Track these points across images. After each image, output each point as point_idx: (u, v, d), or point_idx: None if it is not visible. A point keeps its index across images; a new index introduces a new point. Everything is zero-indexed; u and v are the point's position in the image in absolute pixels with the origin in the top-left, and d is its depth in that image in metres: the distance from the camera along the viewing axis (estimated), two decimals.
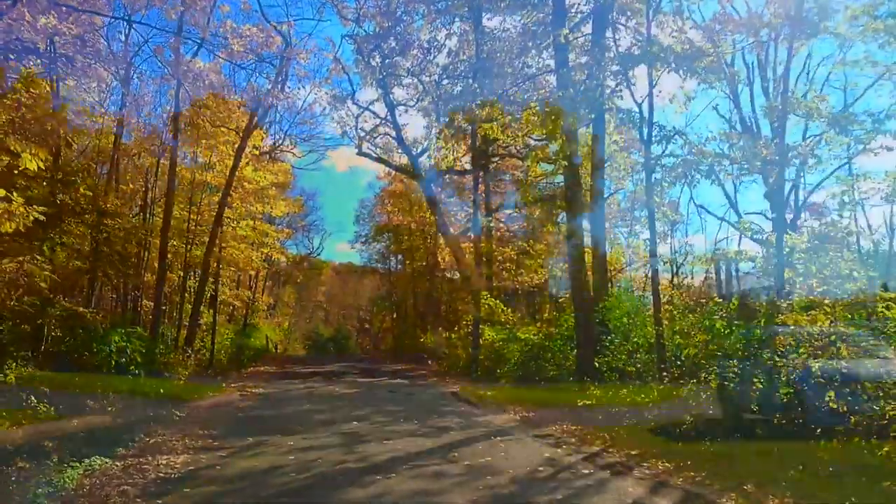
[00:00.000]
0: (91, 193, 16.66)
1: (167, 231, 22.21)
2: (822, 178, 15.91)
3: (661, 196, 12.80)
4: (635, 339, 12.92)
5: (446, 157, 17.32)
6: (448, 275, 42.20)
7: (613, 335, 13.95)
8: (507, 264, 31.37)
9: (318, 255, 65.00)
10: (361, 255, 52.81)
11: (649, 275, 23.85)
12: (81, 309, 14.73)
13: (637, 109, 12.48)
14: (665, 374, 10.96)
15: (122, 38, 21.10)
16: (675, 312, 12.05)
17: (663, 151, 12.25)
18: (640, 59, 11.64)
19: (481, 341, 22.20)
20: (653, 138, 12.16)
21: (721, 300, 12.54)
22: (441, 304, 40.80)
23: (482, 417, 12.21)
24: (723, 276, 24.24)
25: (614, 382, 11.97)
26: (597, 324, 13.82)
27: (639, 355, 12.01)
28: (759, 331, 9.21)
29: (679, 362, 11.12)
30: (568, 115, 11.58)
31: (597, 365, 12.77)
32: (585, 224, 14.53)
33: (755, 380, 8.42)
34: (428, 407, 13.82)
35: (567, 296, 23.91)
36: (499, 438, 9.91)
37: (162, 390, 14.70)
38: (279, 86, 26.24)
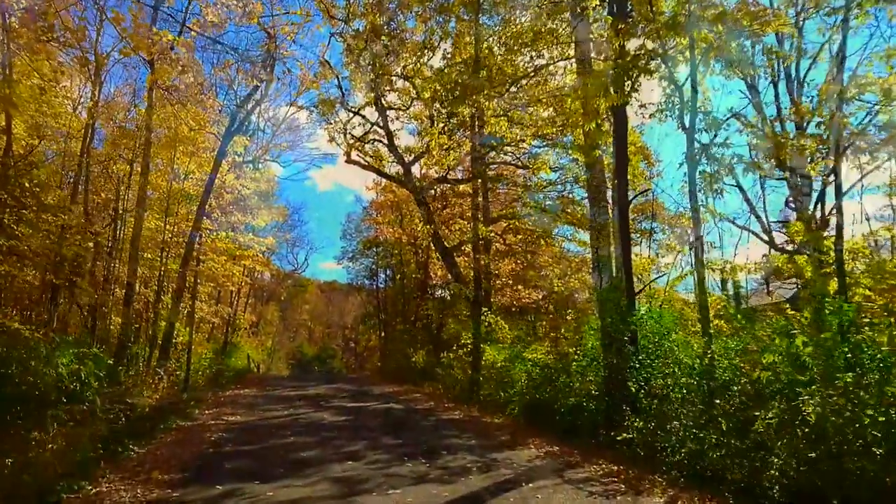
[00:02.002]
0: (38, 189, 14.58)
1: (137, 241, 20.15)
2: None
3: (708, 192, 10.98)
4: (671, 362, 11.11)
5: (447, 157, 15.58)
6: (441, 292, 40.36)
7: (644, 355, 12.12)
8: (505, 279, 29.56)
9: (303, 271, 63.23)
10: (348, 271, 51.03)
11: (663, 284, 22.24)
12: (17, 325, 12.58)
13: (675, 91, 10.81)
14: (717, 401, 9.12)
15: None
16: (726, 328, 10.25)
17: (712, 140, 10.54)
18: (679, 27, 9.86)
19: (482, 362, 20.27)
20: (698, 125, 10.45)
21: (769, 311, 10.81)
22: (432, 323, 38.86)
23: (500, 454, 10.29)
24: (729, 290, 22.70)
25: (650, 411, 10.10)
26: (625, 341, 11.95)
27: (682, 379, 10.15)
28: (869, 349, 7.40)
29: (732, 390, 9.29)
30: (596, 91, 9.77)
31: (634, 388, 10.89)
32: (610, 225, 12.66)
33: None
34: (432, 440, 11.88)
35: (582, 311, 22.16)
36: (531, 485, 8.01)
37: (122, 421, 12.70)
38: (263, 86, 24.44)
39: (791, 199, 18.99)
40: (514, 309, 31.19)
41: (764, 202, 17.21)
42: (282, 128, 36.48)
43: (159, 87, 20.17)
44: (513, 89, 14.67)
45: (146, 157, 20.22)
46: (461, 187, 31.52)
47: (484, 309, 21.64)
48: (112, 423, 12.21)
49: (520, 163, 27.25)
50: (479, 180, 22.83)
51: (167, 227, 24.62)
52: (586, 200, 24.52)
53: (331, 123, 27.90)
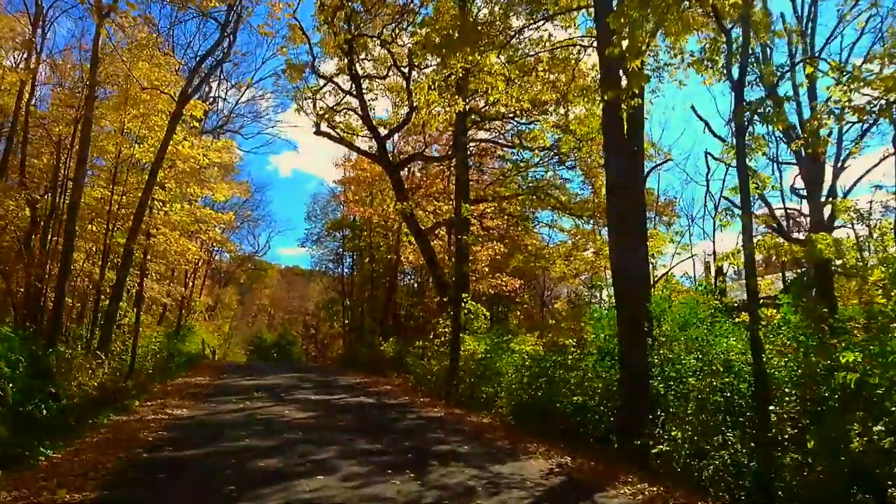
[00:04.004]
0: None
1: (77, 208, 17.73)
2: None
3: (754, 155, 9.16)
4: (704, 358, 9.42)
5: (435, 118, 13.70)
6: (410, 279, 38.46)
7: (666, 350, 10.41)
8: (482, 265, 27.75)
9: (264, 254, 60.65)
10: (312, 256, 48.70)
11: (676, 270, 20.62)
12: None
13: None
14: (773, 408, 7.42)
15: None
16: (777, 318, 8.53)
17: (770, 92, 8.82)
18: None
19: (461, 352, 18.43)
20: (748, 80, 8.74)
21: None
22: (401, 309, 36.92)
23: (503, 466, 8.43)
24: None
25: (686, 418, 8.35)
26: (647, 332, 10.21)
27: (726, 378, 8.43)
28: None
29: (790, 395, 7.62)
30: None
31: (661, 389, 9.16)
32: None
33: None
34: (417, 444, 9.99)
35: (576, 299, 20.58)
36: None
37: (42, 414, 10.54)
38: (226, 44, 22.05)
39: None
40: (483, 298, 29.47)
41: (781, 183, 15.74)
42: (245, 96, 34.09)
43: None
44: (514, 41, 12.72)
45: (88, 110, 17.75)
46: (437, 167, 29.66)
47: (465, 295, 19.78)
48: (26, 418, 10.06)
49: (504, 140, 25.51)
50: (463, 154, 20.89)
51: (115, 196, 22.16)
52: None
53: (299, 90, 25.77)
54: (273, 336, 64.70)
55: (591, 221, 25.65)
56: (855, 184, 16.61)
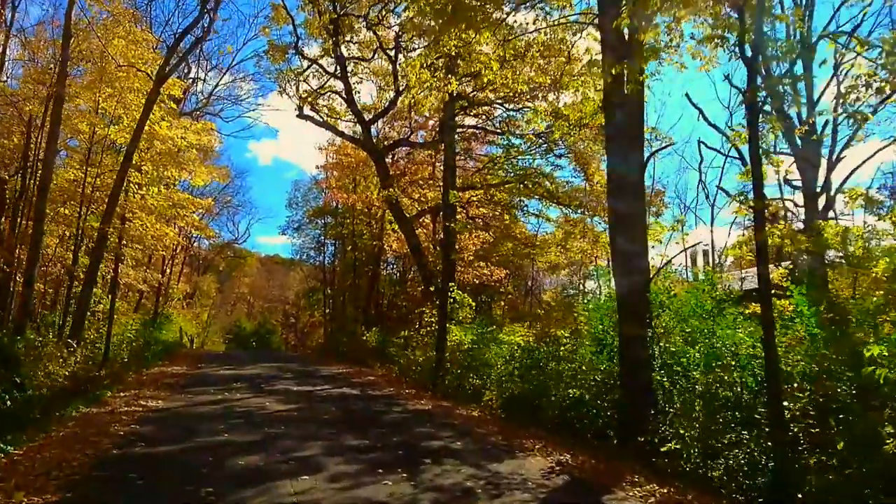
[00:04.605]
0: None
1: (47, 189, 16.91)
2: None
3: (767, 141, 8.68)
4: (705, 351, 8.97)
5: (427, 98, 13.10)
6: (392, 268, 37.86)
7: (665, 342, 9.96)
8: (468, 254, 27.22)
9: (244, 242, 59.70)
10: (293, 244, 47.90)
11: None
12: None
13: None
14: (787, 404, 6.98)
15: None
16: (790, 310, 8.07)
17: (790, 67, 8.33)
18: None
19: (448, 343, 17.91)
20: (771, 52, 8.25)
21: None
22: (383, 299, 36.33)
23: (501, 464, 7.92)
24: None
25: (695, 414, 7.89)
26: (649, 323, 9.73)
27: (735, 374, 7.97)
28: None
29: (803, 391, 7.19)
30: None
31: (666, 382, 8.71)
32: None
33: None
34: (407, 439, 9.46)
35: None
36: None
37: (5, 405, 9.87)
38: (206, 20, 21.18)
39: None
40: (468, 288, 28.98)
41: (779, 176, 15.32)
42: (226, 79, 33.29)
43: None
44: (510, 20, 12.13)
45: (60, 87, 16.91)
46: (423, 154, 29.06)
47: (451, 283, 19.25)
48: None
49: (493, 126, 24.96)
50: (451, 138, 20.32)
51: (89, 178, 21.28)
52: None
53: (282, 72, 25.04)
54: (252, 325, 63.86)
55: (580, 211, 25.21)
56: (849, 175, 16.36)
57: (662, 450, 7.47)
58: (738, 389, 7.92)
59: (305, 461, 7.69)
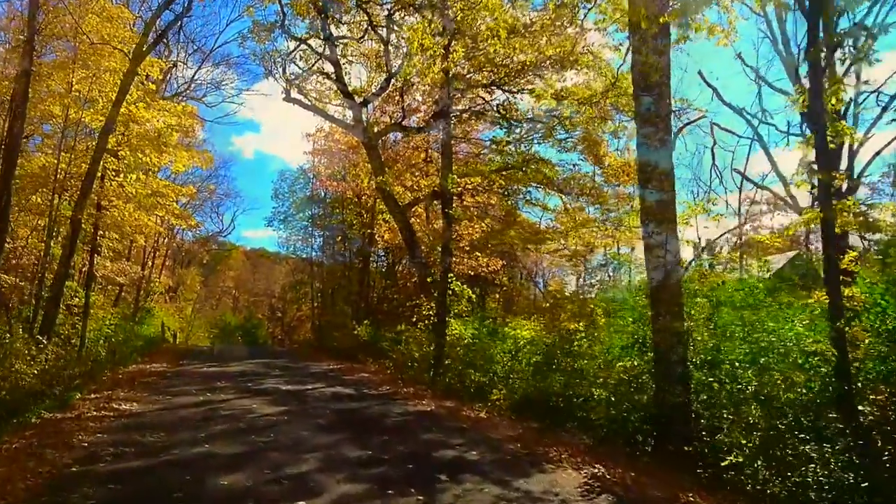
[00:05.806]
0: None
1: (12, 170, 15.54)
2: None
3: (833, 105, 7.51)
4: (753, 348, 7.87)
5: (431, 68, 11.95)
6: (383, 260, 36.64)
7: (701, 337, 8.86)
8: (464, 244, 26.09)
9: (229, 234, 58.17)
10: (279, 237, 46.56)
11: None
12: None
13: None
14: (861, 408, 5.92)
15: None
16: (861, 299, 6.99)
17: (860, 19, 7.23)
18: None
19: (447, 338, 16.80)
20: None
21: None
22: (374, 292, 35.10)
23: (529, 480, 6.80)
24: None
25: (755, 422, 6.77)
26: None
27: (793, 375, 6.89)
28: None
29: (880, 396, 6.17)
30: None
31: (714, 385, 7.62)
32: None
33: None
34: (415, 449, 8.31)
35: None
36: None
37: None
38: None
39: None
40: (462, 280, 27.88)
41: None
42: (208, 66, 32.01)
43: None
44: None
45: (27, 62, 15.54)
46: (416, 139, 27.82)
47: (450, 275, 18.11)
48: None
49: (491, 110, 23.76)
50: (448, 122, 19.16)
51: (63, 164, 19.89)
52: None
53: (268, 52, 23.69)
54: (238, 319, 62.48)
55: (581, 199, 24.11)
56: (870, 161, 15.55)
57: (723, 464, 6.35)
58: (802, 391, 6.84)
59: (300, 479, 6.53)
